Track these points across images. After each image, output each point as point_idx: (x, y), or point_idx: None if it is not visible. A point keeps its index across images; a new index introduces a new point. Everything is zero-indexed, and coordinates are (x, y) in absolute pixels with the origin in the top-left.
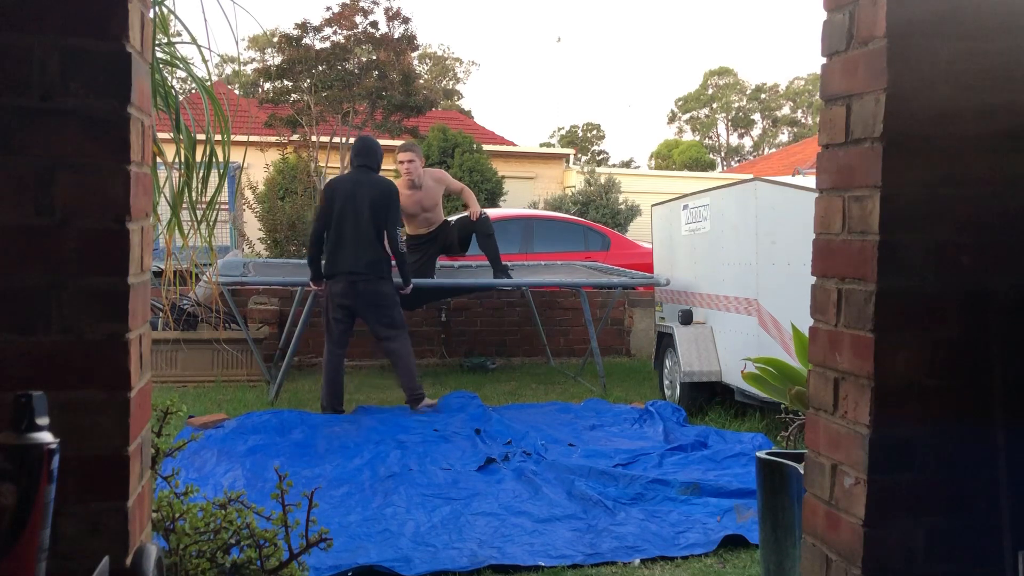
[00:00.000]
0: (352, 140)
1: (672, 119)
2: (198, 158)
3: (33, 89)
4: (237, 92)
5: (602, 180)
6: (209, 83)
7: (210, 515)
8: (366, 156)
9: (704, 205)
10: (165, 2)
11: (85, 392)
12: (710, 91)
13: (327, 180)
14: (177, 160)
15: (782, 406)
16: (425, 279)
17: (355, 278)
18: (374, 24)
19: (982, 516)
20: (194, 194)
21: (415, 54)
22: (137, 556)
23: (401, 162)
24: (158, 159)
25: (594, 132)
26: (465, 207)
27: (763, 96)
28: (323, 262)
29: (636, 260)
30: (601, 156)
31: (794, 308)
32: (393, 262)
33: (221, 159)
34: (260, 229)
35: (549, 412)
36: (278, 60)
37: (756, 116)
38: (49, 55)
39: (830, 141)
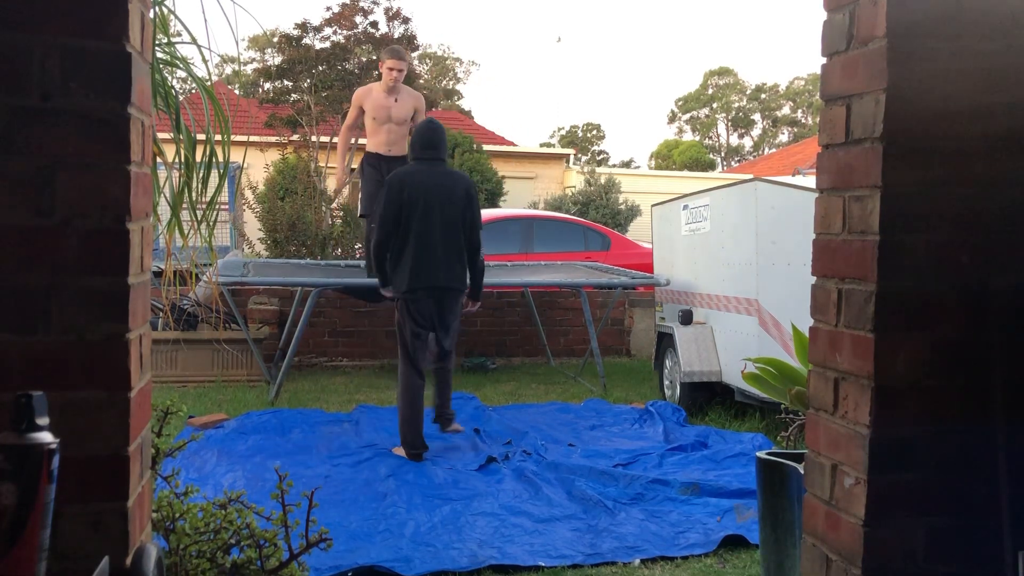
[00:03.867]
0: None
1: (672, 119)
2: (198, 158)
3: (33, 89)
4: (237, 92)
5: (602, 180)
6: (209, 83)
7: (210, 515)
8: (438, 146)
9: (704, 205)
10: (165, 2)
11: (85, 392)
12: (710, 91)
13: (391, 173)
14: (177, 160)
15: (782, 406)
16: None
17: (442, 294)
18: (374, 24)
19: (982, 516)
20: (194, 194)
21: (415, 54)
22: (137, 556)
23: (391, 70)
24: (158, 159)
25: (594, 132)
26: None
27: (763, 96)
28: (394, 271)
29: (636, 260)
30: (601, 156)
31: (794, 308)
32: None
33: (221, 159)
34: (260, 229)
35: (549, 412)
36: (278, 60)
37: (756, 116)
38: (49, 55)
39: (830, 141)
